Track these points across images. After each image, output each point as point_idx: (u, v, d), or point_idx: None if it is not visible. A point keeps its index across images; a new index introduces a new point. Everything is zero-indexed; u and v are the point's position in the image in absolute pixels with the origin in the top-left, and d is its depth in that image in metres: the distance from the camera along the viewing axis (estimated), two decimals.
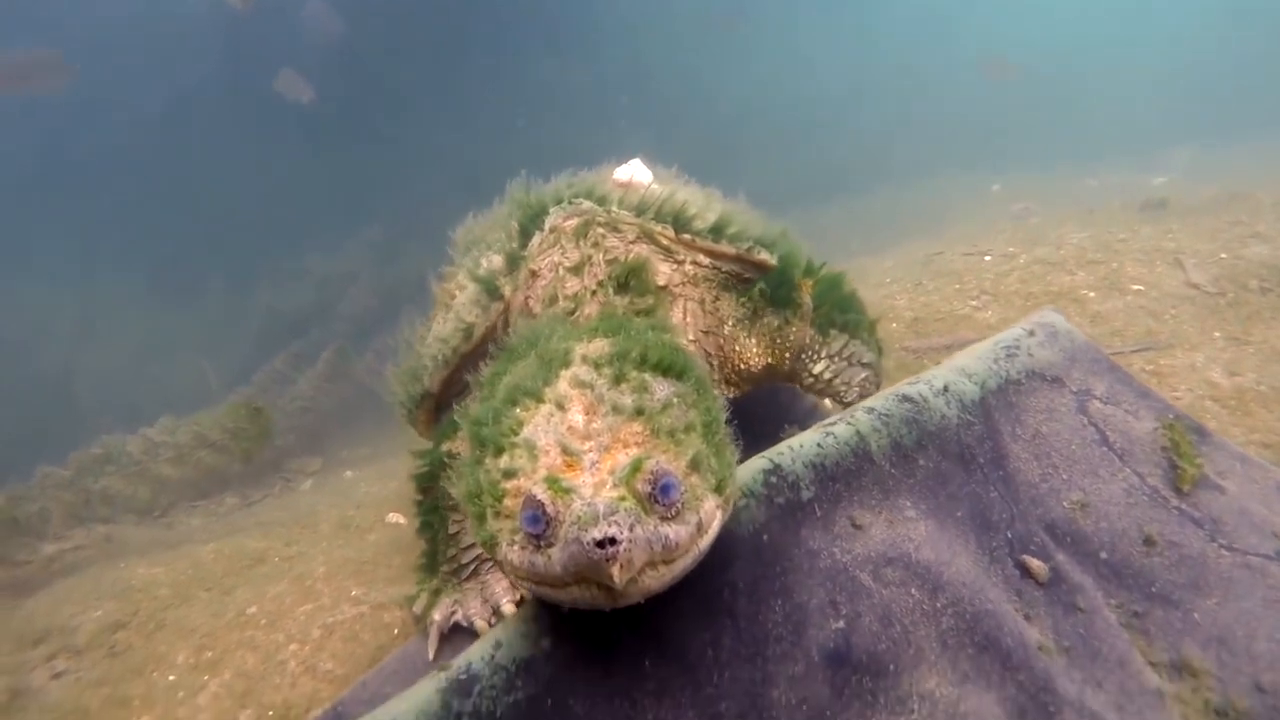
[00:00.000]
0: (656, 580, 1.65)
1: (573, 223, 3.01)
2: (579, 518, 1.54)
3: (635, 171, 3.36)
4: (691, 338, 3.11)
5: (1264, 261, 4.76)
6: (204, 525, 6.19)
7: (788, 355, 3.24)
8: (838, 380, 3.27)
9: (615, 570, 1.50)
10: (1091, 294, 4.77)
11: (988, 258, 5.82)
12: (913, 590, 2.21)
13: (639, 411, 1.85)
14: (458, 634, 2.94)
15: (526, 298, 3.00)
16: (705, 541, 1.78)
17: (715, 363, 3.26)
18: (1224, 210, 6.20)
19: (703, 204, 3.25)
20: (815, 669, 2.03)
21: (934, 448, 2.51)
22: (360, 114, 16.24)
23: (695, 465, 1.79)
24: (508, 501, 1.78)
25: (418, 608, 3.19)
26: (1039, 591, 2.37)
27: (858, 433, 2.41)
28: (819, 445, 2.34)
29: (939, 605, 2.20)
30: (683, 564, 1.71)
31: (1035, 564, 2.39)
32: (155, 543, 5.57)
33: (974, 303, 5.19)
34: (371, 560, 4.31)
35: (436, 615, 2.98)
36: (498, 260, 3.11)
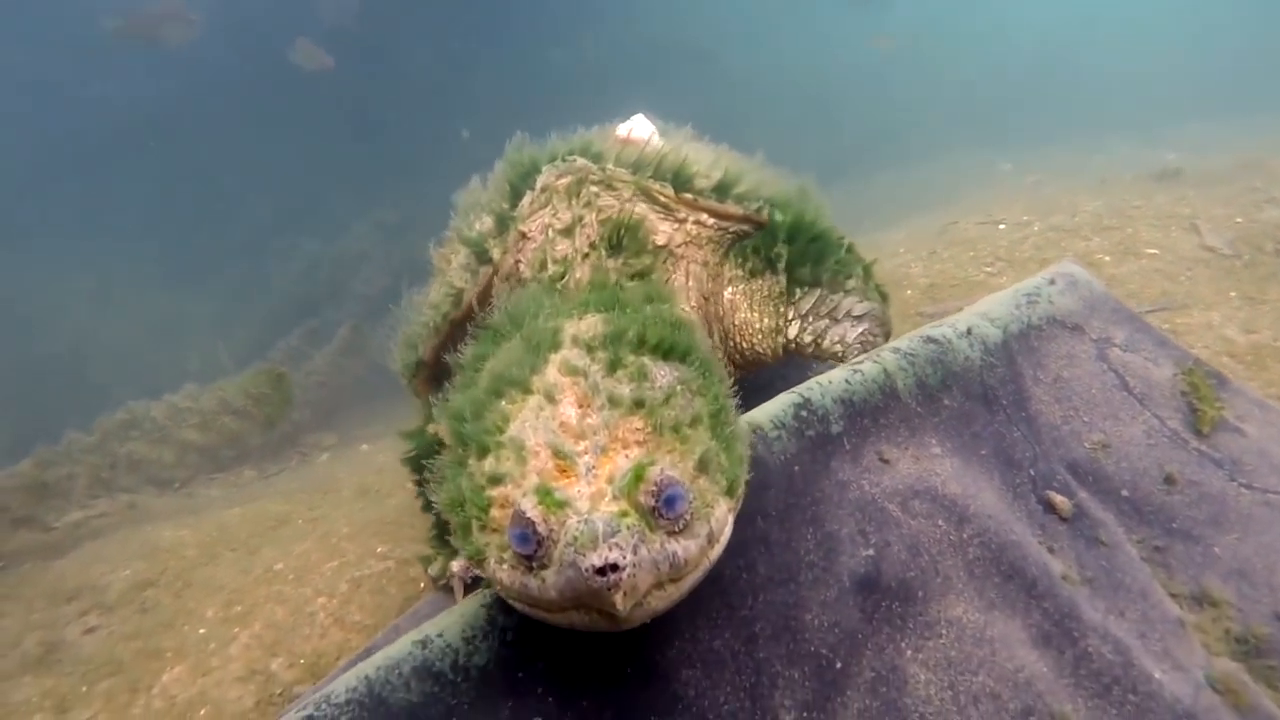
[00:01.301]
0: (664, 601, 1.50)
1: (565, 181, 2.80)
2: (575, 538, 1.36)
3: (637, 127, 3.14)
4: (692, 304, 2.96)
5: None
6: (224, 495, 6.28)
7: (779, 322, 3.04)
8: (826, 342, 2.97)
9: (618, 599, 1.35)
10: (1107, 258, 4.80)
11: (1002, 226, 5.85)
12: (939, 522, 2.26)
13: (639, 404, 1.65)
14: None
15: (516, 261, 2.83)
16: (716, 552, 1.62)
17: (717, 335, 3.10)
18: (1238, 178, 6.21)
19: (710, 162, 2.99)
20: (846, 594, 2.08)
21: (958, 388, 2.55)
22: (373, 93, 16.24)
23: (704, 466, 1.61)
24: (494, 513, 1.59)
25: (433, 570, 3.23)
26: (1062, 526, 2.41)
27: (884, 371, 2.45)
28: (847, 382, 2.39)
29: (965, 536, 2.25)
30: (692, 580, 1.56)
31: (1059, 499, 2.43)
32: (178, 510, 5.65)
33: (989, 269, 5.22)
34: (394, 520, 4.37)
35: (455, 567, 3.01)
36: (488, 222, 2.94)
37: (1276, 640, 2.23)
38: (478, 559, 1.63)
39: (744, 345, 3.09)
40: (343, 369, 7.85)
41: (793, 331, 3.01)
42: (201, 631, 3.74)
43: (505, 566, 1.54)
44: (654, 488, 1.45)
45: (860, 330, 2.98)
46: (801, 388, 2.36)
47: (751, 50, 21.89)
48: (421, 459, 2.99)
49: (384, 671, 1.73)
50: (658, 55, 18.97)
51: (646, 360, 1.79)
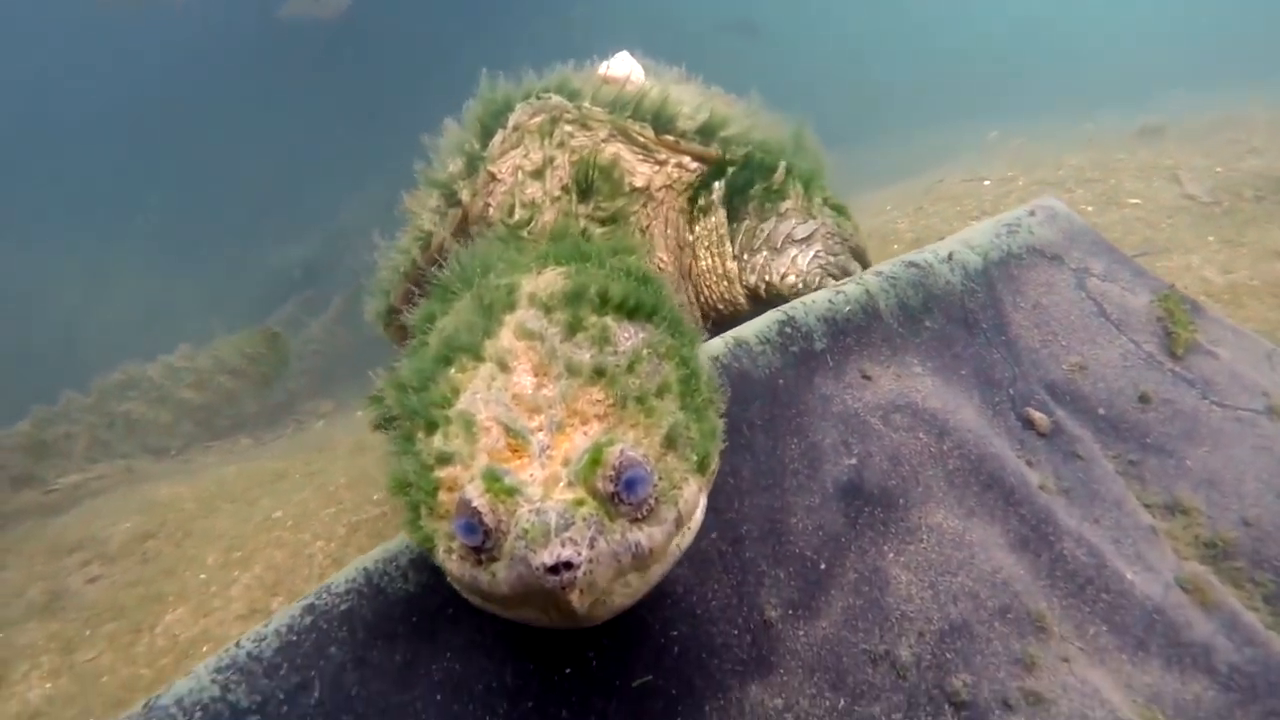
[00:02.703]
0: (628, 596, 1.37)
1: (538, 120, 2.65)
2: (525, 531, 1.23)
3: (620, 65, 2.93)
4: (668, 255, 2.85)
5: (1259, 172, 4.86)
6: (220, 460, 6.34)
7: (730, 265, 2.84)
8: (774, 278, 2.73)
9: (575, 597, 1.23)
10: (1089, 208, 4.87)
11: (987, 182, 5.91)
12: (920, 434, 2.33)
13: (599, 372, 1.50)
14: None
15: (486, 204, 2.70)
16: (687, 539, 1.49)
17: (691, 289, 2.95)
18: (1220, 131, 6.29)
19: (696, 103, 2.82)
20: (830, 500, 2.15)
21: (939, 310, 2.62)
22: (363, 69, 16.17)
23: (671, 441, 1.46)
24: (442, 496, 1.44)
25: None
26: (1040, 441, 2.49)
27: (867, 291, 2.52)
28: (830, 301, 2.45)
29: (945, 448, 2.32)
30: (659, 570, 1.43)
31: (1038, 416, 2.51)
32: (175, 472, 5.71)
33: (974, 223, 5.29)
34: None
35: None
36: (458, 163, 2.79)
37: (1243, 544, 2.32)
38: (426, 546, 1.49)
39: (712, 297, 2.93)
40: (338, 337, 7.90)
41: (734, 272, 2.81)
42: (202, 576, 3.81)
43: (454, 557, 1.40)
44: (613, 471, 1.31)
45: (812, 254, 2.73)
46: (786, 306, 2.42)
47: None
48: (386, 426, 2.94)
49: (382, 564, 1.79)
50: (654, 26, 18.88)
51: (609, 321, 1.62)
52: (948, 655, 1.97)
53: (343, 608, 1.72)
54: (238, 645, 1.67)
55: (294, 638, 1.68)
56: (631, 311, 1.69)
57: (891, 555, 2.12)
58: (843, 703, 1.90)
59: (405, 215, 3.10)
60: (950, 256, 2.73)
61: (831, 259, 2.77)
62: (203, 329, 10.73)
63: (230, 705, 1.59)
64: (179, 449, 6.46)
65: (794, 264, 2.73)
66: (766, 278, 2.75)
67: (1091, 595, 2.15)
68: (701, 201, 2.80)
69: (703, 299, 2.96)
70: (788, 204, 2.75)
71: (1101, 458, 2.51)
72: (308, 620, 1.70)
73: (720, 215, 2.78)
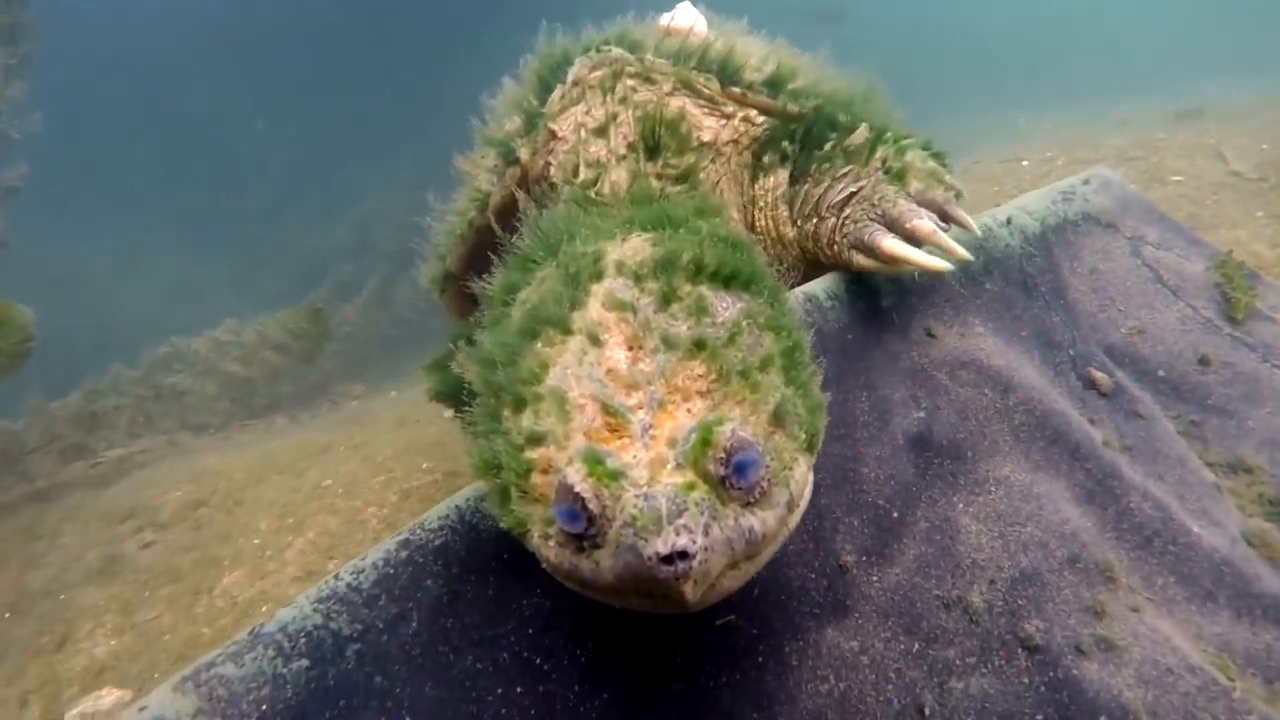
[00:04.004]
0: (737, 580, 1.31)
1: (599, 74, 2.51)
2: (634, 518, 1.16)
3: (681, 16, 2.82)
4: (734, 214, 2.69)
5: None
6: (261, 437, 6.43)
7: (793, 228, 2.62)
8: (824, 243, 2.47)
9: (688, 589, 1.17)
10: (1132, 186, 4.85)
11: (1025, 163, 5.91)
12: (986, 390, 2.35)
13: (699, 345, 1.40)
14: None
15: (546, 164, 2.58)
16: (796, 518, 1.42)
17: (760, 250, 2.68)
18: (1260, 113, 6.24)
19: (762, 55, 2.66)
20: (900, 451, 2.18)
21: (999, 273, 2.64)
22: (390, 53, 16.20)
23: (779, 419, 1.38)
24: (536, 479, 1.36)
25: None
26: (1101, 401, 2.51)
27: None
28: None
29: (1010, 404, 2.35)
30: (769, 553, 1.37)
31: (1100, 376, 2.53)
32: (218, 447, 5.80)
33: None
34: (437, 442, 4.50)
35: None
36: (516, 121, 2.66)
37: None
38: (520, 532, 1.41)
39: (770, 257, 2.64)
40: (371, 320, 7.98)
41: (789, 237, 2.60)
42: (256, 542, 3.88)
43: (552, 544, 1.32)
44: (724, 453, 1.22)
45: (844, 219, 2.40)
46: None
47: None
48: (448, 395, 2.89)
49: (473, 501, 1.84)
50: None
51: (705, 290, 1.52)
52: (1019, 602, 2.00)
53: (437, 543, 1.77)
54: (336, 578, 1.72)
55: (391, 571, 1.72)
56: (728, 280, 1.58)
57: (961, 506, 2.15)
58: (917, 646, 1.93)
59: (460, 177, 2.96)
60: (1009, 221, 2.75)
61: (861, 216, 2.39)
62: (235, 313, 10.92)
63: (333, 633, 1.64)
64: (218, 427, 6.56)
65: (834, 231, 2.45)
66: (820, 242, 2.49)
67: (1159, 548, 2.17)
68: (766, 159, 2.62)
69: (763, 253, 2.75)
70: (844, 165, 2.45)
71: (1162, 418, 2.53)
72: (404, 554, 1.75)
73: (780, 176, 2.59)
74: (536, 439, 1.37)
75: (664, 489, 1.19)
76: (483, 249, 2.57)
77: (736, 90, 2.59)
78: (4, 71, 4.66)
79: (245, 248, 13.09)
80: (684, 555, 1.13)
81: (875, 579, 2.00)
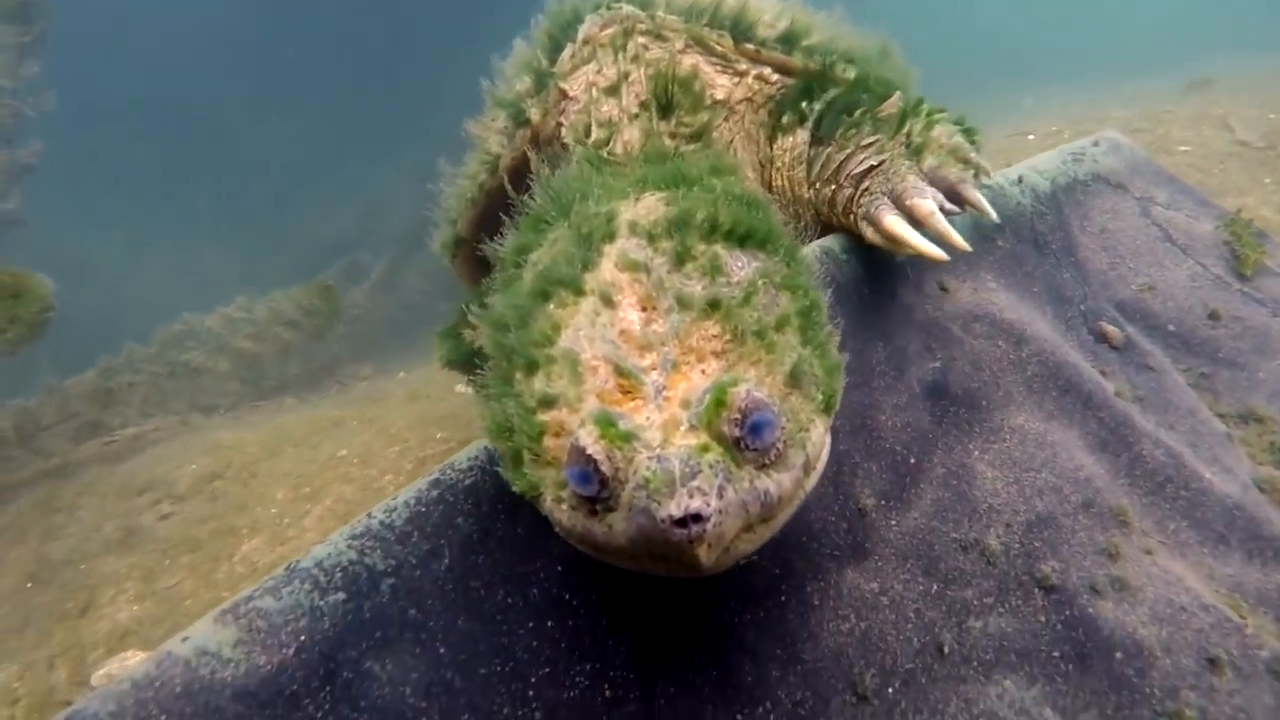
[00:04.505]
0: (752, 544, 1.30)
1: (609, 31, 2.47)
2: (647, 480, 1.14)
3: None
4: (749, 173, 2.64)
5: None
6: (271, 416, 6.47)
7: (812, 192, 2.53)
8: (840, 209, 2.41)
9: (702, 552, 1.15)
10: (1141, 150, 4.88)
11: (1031, 137, 5.93)
12: (999, 342, 2.39)
13: (713, 305, 1.38)
14: None
15: (558, 124, 2.55)
16: (812, 480, 1.40)
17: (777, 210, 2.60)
18: (1269, 84, 6.25)
19: (775, 11, 2.64)
20: (916, 399, 2.22)
21: (1010, 230, 2.67)
22: (396, 42, 16.18)
23: (796, 379, 1.35)
24: (548, 442, 1.35)
25: None
26: (1113, 354, 2.54)
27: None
28: None
29: (1024, 355, 2.38)
30: (784, 516, 1.35)
31: (1111, 330, 2.56)
32: (230, 423, 5.84)
33: None
34: (450, 415, 4.54)
35: None
36: (526, 81, 2.65)
37: None
38: (532, 495, 1.40)
39: (786, 215, 2.62)
40: (379, 303, 8.02)
41: (805, 198, 2.54)
42: (273, 511, 3.93)
43: (564, 507, 1.32)
44: (739, 414, 1.20)
45: (861, 190, 2.33)
46: None
47: None
48: (460, 362, 2.89)
49: None
50: None
51: (719, 249, 1.50)
52: (1035, 544, 2.03)
53: (467, 482, 1.81)
54: (369, 516, 1.76)
55: (423, 509, 1.76)
56: (743, 238, 1.55)
57: (977, 453, 2.19)
58: (935, 587, 1.97)
59: (471, 140, 2.95)
60: (1020, 180, 2.78)
61: (875, 191, 2.32)
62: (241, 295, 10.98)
63: (368, 568, 1.68)
64: (228, 408, 6.60)
65: (849, 203, 2.38)
66: (836, 208, 2.44)
67: (1171, 493, 2.21)
68: (785, 119, 2.55)
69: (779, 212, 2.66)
70: (870, 135, 2.35)
71: (1173, 370, 2.56)
72: (435, 493, 1.78)
73: (799, 136, 2.51)
74: (549, 401, 1.35)
75: (677, 451, 1.17)
76: (494, 212, 2.51)
77: (750, 47, 2.56)
78: (18, 50, 4.69)
79: (252, 234, 13.11)
80: (697, 518, 1.12)
81: (894, 522, 2.04)
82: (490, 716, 1.62)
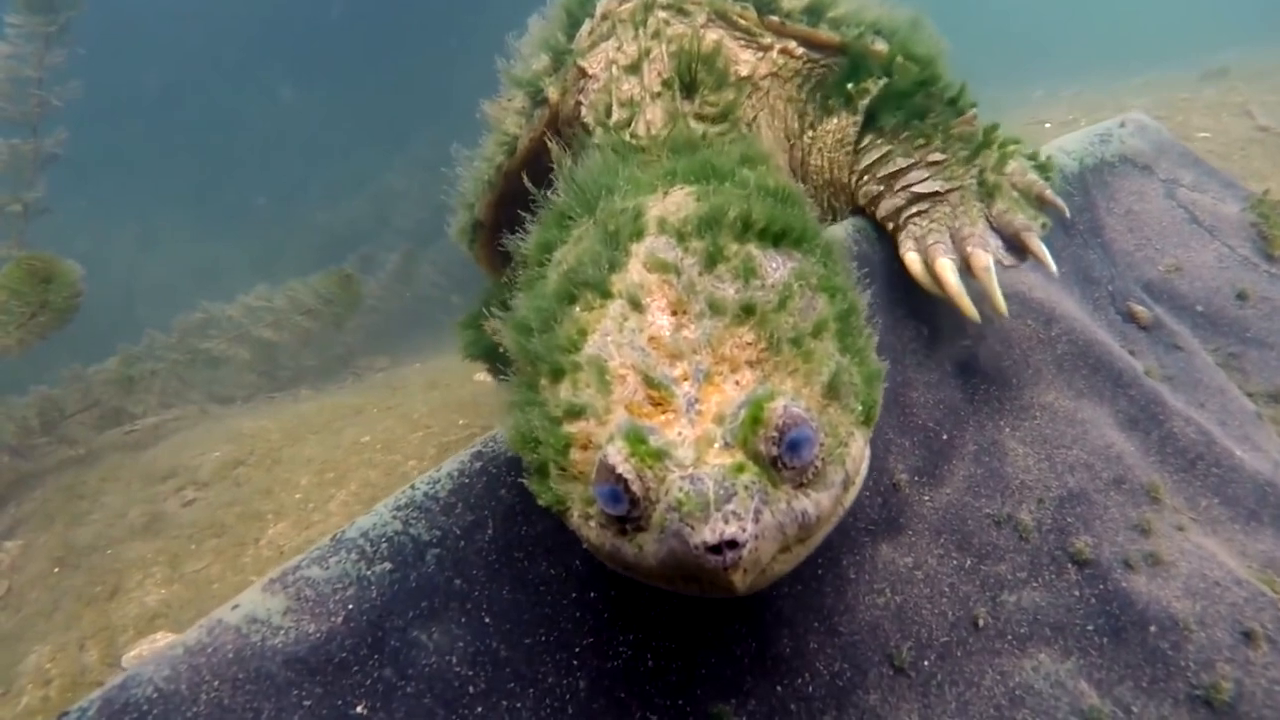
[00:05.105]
0: (788, 564, 1.25)
1: (628, 6, 2.39)
2: (680, 503, 1.09)
3: None
4: (777, 151, 2.55)
5: None
6: (288, 405, 6.51)
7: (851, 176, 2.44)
8: (880, 211, 2.33)
9: (737, 578, 1.11)
10: (1167, 132, 4.88)
11: (1047, 125, 5.92)
12: (1029, 321, 2.40)
13: (747, 310, 1.30)
14: None
15: (577, 103, 2.46)
16: (851, 496, 1.34)
17: (800, 185, 2.34)
18: None
19: None
20: (948, 377, 2.23)
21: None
22: (400, 31, 16.21)
23: (834, 390, 1.29)
24: (575, 455, 1.29)
25: None
26: (1141, 334, 2.55)
27: None
28: None
29: (1053, 334, 2.39)
30: (822, 534, 1.30)
31: (1139, 310, 2.57)
32: (250, 412, 5.87)
33: None
34: (471, 402, 4.56)
35: None
36: (544, 59, 2.56)
37: None
38: (558, 510, 1.34)
39: (817, 195, 2.59)
40: (395, 295, 8.05)
41: (842, 183, 2.47)
42: (297, 496, 3.95)
43: (592, 524, 1.27)
44: (776, 432, 1.14)
45: (916, 215, 2.23)
46: None
47: None
48: (482, 354, 2.85)
49: None
50: None
51: (753, 249, 1.42)
52: (1068, 520, 2.04)
53: (509, 454, 1.83)
54: (413, 487, 1.78)
55: (466, 480, 1.78)
56: (777, 237, 1.47)
57: (1008, 430, 2.20)
58: (969, 562, 1.98)
59: (487, 122, 2.83)
60: (1048, 159, 2.78)
61: (930, 224, 2.21)
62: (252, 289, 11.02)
63: (413, 538, 1.71)
64: (244, 399, 6.64)
65: (896, 214, 2.30)
66: (875, 209, 2.36)
67: (1202, 470, 2.22)
68: (832, 100, 2.44)
69: (809, 195, 2.46)
70: (937, 151, 2.22)
71: (1201, 350, 2.57)
72: (478, 465, 1.81)
73: (846, 119, 2.41)
74: (575, 412, 1.29)
75: (711, 471, 1.12)
76: (512, 196, 2.54)
77: (774, 19, 2.44)
78: (44, 39, 4.73)
79: (262, 224, 13.16)
80: (733, 544, 1.07)
81: (927, 498, 2.05)
82: (535, 685, 1.64)
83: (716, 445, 1.16)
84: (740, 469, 1.12)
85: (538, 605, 1.71)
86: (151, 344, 5.38)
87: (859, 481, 1.36)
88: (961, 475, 2.10)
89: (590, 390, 1.29)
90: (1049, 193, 2.18)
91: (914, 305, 2.30)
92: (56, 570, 3.82)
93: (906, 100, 2.30)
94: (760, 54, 2.48)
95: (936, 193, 2.19)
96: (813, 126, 2.50)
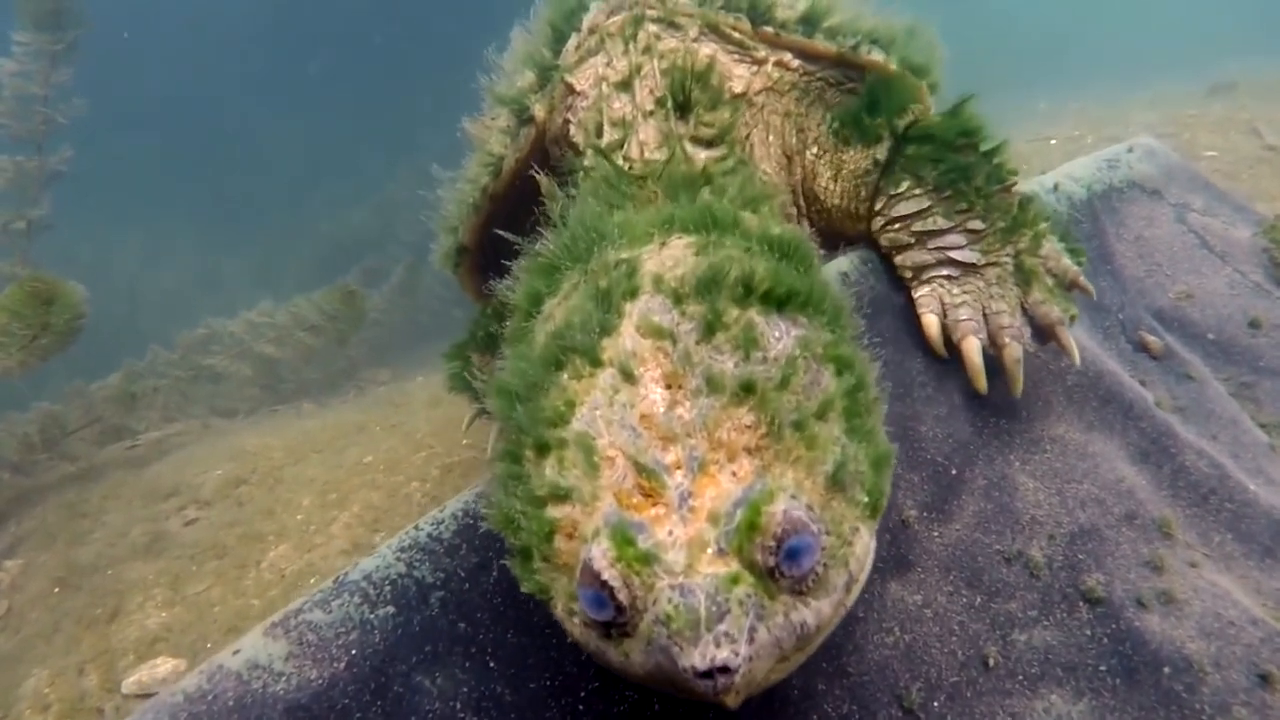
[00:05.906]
0: (783, 672, 1.18)
1: (617, 19, 2.28)
2: (668, 616, 1.02)
3: None
4: (773, 167, 2.45)
5: None
6: (290, 420, 6.50)
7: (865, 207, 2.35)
8: (898, 259, 2.28)
9: (729, 699, 1.05)
10: (1176, 155, 4.86)
11: (1053, 141, 5.90)
12: (1038, 351, 2.36)
13: (747, 389, 1.20)
14: None
15: (565, 122, 2.35)
16: (854, 597, 1.25)
17: (802, 203, 2.52)
18: None
19: None
20: (957, 410, 2.21)
21: None
22: (403, 41, 16.26)
23: (838, 481, 1.19)
24: (560, 543, 1.20)
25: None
26: (1152, 363, 2.53)
27: None
28: None
29: (1062, 365, 2.36)
30: (822, 639, 1.22)
31: (1151, 339, 2.54)
32: (252, 427, 5.86)
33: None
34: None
35: None
36: (529, 76, 2.45)
37: None
38: (542, 599, 1.27)
39: (820, 217, 2.52)
40: (398, 308, 8.04)
41: (873, 225, 2.33)
42: (299, 517, 3.93)
43: (577, 621, 1.20)
44: (774, 540, 1.06)
45: (943, 277, 2.19)
46: None
47: None
48: (467, 386, 2.73)
49: None
50: None
51: (755, 315, 1.31)
52: (1079, 556, 2.02)
53: None
54: (417, 528, 1.76)
55: (470, 521, 1.76)
56: (782, 302, 1.36)
57: (1018, 464, 2.17)
58: (979, 600, 1.96)
59: (470, 142, 2.74)
60: (1056, 187, 2.77)
61: (953, 296, 2.18)
62: (258, 302, 11.03)
63: (417, 581, 1.68)
64: (246, 413, 6.63)
65: (917, 271, 2.24)
66: (894, 256, 2.29)
67: (1215, 505, 2.19)
68: (846, 131, 2.34)
69: (811, 210, 2.52)
70: (977, 220, 2.13)
71: (1213, 380, 2.54)
72: (482, 505, 1.78)
73: (864, 154, 2.30)
74: (560, 495, 1.20)
75: (703, 582, 1.04)
76: (498, 219, 2.44)
77: (769, 30, 2.36)
78: (50, 57, 4.73)
79: (266, 236, 13.18)
80: (725, 669, 1.01)
81: (936, 534, 2.03)
82: None
83: (710, 551, 1.08)
84: (735, 580, 1.05)
85: (542, 649, 1.69)
86: (154, 360, 5.38)
87: (863, 579, 1.26)
88: (971, 511, 2.07)
89: (576, 472, 1.20)
90: (1083, 279, 2.17)
91: (921, 338, 2.28)
92: (57, 590, 3.80)
93: (949, 154, 2.16)
94: (755, 68, 2.40)
95: (974, 265, 2.13)
96: (817, 143, 2.41)
